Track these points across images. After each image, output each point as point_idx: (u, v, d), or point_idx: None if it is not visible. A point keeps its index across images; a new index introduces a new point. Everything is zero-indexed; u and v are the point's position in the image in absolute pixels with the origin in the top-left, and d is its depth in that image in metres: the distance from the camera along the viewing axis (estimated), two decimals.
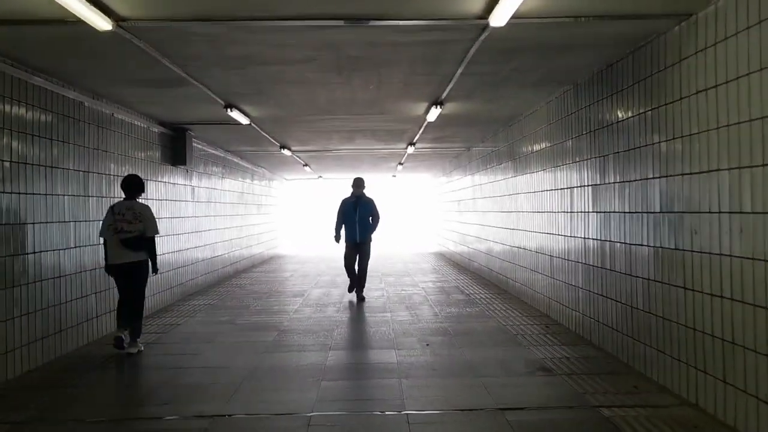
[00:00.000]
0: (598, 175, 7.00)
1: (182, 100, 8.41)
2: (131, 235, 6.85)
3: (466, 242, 16.65)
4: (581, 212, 7.55)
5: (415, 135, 12.40)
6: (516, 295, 10.78)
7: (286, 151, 14.58)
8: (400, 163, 18.93)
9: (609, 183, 6.68)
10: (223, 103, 8.62)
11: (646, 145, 5.78)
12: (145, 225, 6.93)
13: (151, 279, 7.48)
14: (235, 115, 9.14)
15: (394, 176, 24.90)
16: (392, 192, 30.52)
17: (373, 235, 10.97)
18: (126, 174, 7.80)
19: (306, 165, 19.09)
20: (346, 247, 10.87)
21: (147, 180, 9.71)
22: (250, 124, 10.40)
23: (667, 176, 5.40)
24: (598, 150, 6.97)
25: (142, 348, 7.15)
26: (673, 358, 5.32)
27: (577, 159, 7.66)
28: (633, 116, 6.05)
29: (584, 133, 7.42)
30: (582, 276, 7.54)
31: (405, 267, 16.93)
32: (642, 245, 5.88)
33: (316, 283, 13.35)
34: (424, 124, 10.85)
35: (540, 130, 9.25)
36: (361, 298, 10.73)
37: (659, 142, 5.52)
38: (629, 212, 6.18)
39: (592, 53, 6.27)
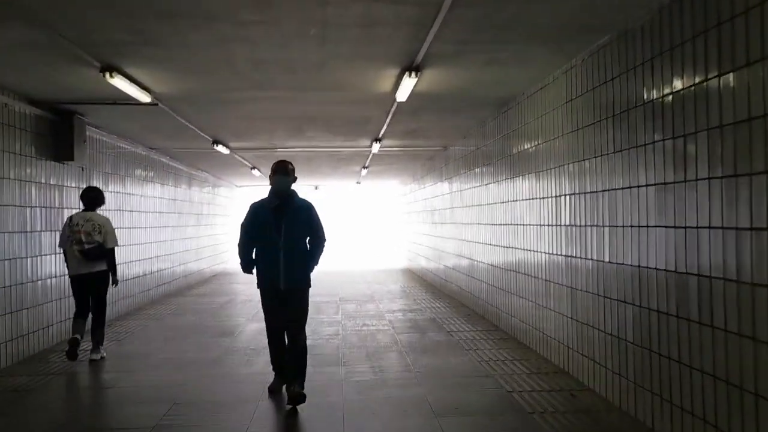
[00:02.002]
0: (669, 169, 4.40)
1: (26, 53, 5.60)
2: (90, 246, 6.91)
3: (441, 259, 13.98)
4: (632, 227, 4.94)
5: (382, 126, 9.71)
6: (513, 335, 8.12)
7: (222, 148, 11.77)
8: (365, 167, 16.23)
9: (694, 180, 4.09)
10: (97, 63, 5.84)
11: None
12: (104, 237, 7.02)
13: (30, 315, 7.03)
14: (122, 84, 6.35)
15: (359, 183, 22.18)
16: (357, 201, 27.85)
17: (313, 273, 5.65)
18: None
19: (254, 168, 16.30)
20: (263, 298, 5.70)
21: (5, 179, 6.94)
22: (156, 104, 7.62)
23: None
24: (670, 129, 4.38)
25: (105, 355, 7.22)
26: None
27: (624, 147, 5.07)
28: (752, 63, 3.47)
29: (637, 105, 4.83)
30: (634, 325, 4.92)
31: (369, 289, 14.19)
32: None
33: (256, 313, 10.50)
34: (393, 107, 8.17)
35: (553, 110, 6.64)
36: (299, 397, 5.31)
37: None
38: (744, 228, 3.58)
39: None
